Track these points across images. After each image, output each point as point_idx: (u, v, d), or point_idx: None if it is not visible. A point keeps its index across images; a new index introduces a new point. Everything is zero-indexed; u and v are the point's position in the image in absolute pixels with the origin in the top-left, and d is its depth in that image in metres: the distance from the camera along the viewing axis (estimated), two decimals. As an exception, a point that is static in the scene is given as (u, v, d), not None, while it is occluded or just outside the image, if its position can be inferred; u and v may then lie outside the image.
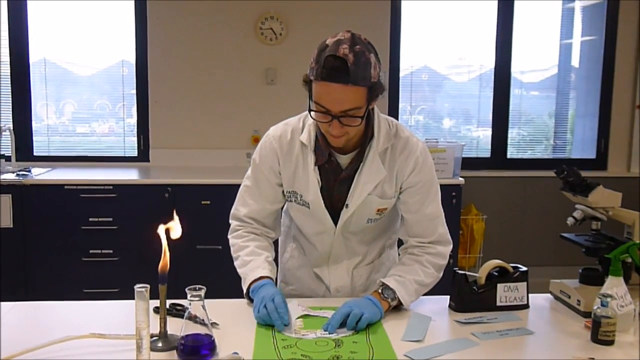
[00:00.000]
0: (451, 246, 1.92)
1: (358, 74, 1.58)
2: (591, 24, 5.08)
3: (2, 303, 1.78)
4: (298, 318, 1.71)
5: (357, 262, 1.99)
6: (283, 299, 1.70)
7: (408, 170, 1.82)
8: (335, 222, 1.88)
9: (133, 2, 4.56)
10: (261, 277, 1.80)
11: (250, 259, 1.86)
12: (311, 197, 1.84)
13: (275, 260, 1.97)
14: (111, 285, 3.66)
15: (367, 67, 1.60)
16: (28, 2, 4.51)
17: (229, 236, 1.97)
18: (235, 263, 1.90)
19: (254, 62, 4.60)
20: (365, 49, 1.61)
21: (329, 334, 1.61)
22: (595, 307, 1.60)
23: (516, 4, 4.85)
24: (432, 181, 1.86)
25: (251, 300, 1.79)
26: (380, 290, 1.78)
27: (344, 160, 1.82)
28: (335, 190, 1.85)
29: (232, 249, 1.93)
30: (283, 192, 1.93)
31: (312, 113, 1.67)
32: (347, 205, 1.84)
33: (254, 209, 1.92)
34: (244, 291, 1.83)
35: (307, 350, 1.51)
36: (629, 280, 1.79)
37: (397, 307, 1.80)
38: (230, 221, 1.99)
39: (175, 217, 1.49)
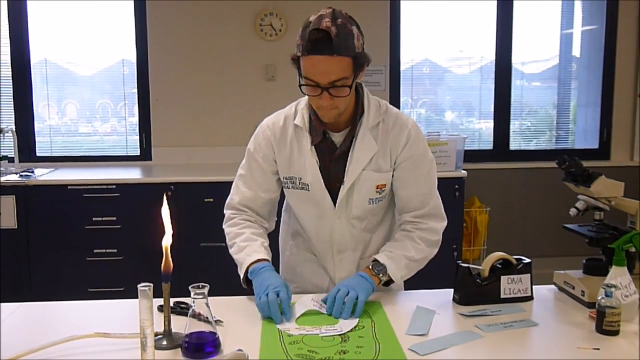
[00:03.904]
0: (445, 222, 1.94)
1: (341, 45, 1.65)
2: (591, 13, 5.06)
3: (7, 304, 1.79)
4: (302, 316, 1.71)
5: (362, 251, 1.99)
6: (288, 294, 1.71)
7: (401, 144, 1.86)
8: (335, 204, 1.89)
9: (132, 1, 4.56)
10: (258, 260, 1.82)
11: (246, 245, 1.88)
12: (310, 177, 1.87)
13: (276, 255, 1.98)
14: (116, 284, 3.67)
15: (349, 38, 1.67)
16: (28, 3, 4.51)
17: (224, 225, 1.99)
18: (231, 250, 1.92)
19: (254, 58, 4.60)
20: (346, 22, 1.68)
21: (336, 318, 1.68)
22: (599, 298, 1.60)
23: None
24: (425, 154, 1.90)
25: (247, 284, 1.84)
26: (370, 266, 1.83)
27: (337, 138, 1.86)
28: (331, 170, 1.87)
29: (227, 237, 1.96)
30: (278, 180, 1.95)
31: (303, 88, 1.73)
32: (344, 182, 1.86)
33: (247, 196, 1.95)
34: (241, 276, 1.86)
35: (314, 345, 1.51)
36: (632, 269, 1.79)
37: (389, 284, 1.88)
38: (224, 211, 2.00)
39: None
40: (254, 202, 1.96)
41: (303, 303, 1.75)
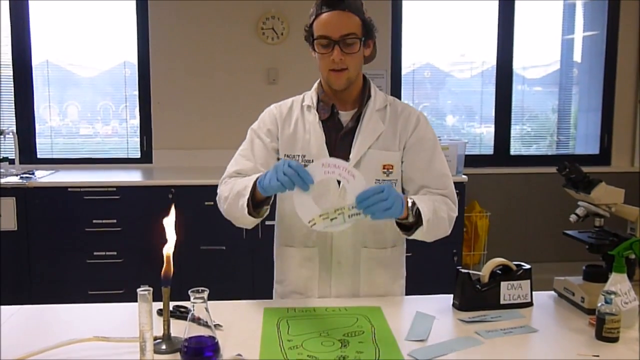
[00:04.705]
0: (457, 214, 1.89)
1: (352, 4, 1.81)
2: (593, 19, 5.07)
3: (7, 307, 1.79)
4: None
5: (364, 239, 1.94)
6: (297, 163, 1.65)
7: (411, 127, 1.92)
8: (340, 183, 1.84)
9: (135, 3, 4.57)
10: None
11: (245, 180, 1.81)
12: (315, 152, 1.87)
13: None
14: (116, 286, 3.67)
15: (358, 3, 1.84)
16: (30, 4, 4.52)
17: (218, 190, 1.92)
18: (228, 201, 1.83)
19: (256, 61, 4.61)
20: None
21: (358, 208, 1.60)
22: (599, 304, 1.60)
23: (517, 1, 4.84)
24: (435, 141, 1.95)
25: (255, 209, 1.78)
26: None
27: (345, 117, 1.92)
28: (337, 148, 1.88)
29: (222, 195, 1.88)
30: (278, 159, 1.93)
31: (315, 46, 1.83)
32: (349, 159, 1.84)
33: (246, 167, 1.91)
34: (246, 197, 1.75)
35: (313, 350, 1.51)
36: (632, 276, 1.79)
37: (410, 229, 1.78)
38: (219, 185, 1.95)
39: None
40: (252, 172, 1.88)
41: (314, 172, 1.64)
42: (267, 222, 2.02)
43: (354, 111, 1.93)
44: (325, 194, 1.83)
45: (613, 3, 4.89)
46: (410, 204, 1.73)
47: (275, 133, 1.95)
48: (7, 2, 4.48)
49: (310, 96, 1.97)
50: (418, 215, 1.74)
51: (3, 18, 4.47)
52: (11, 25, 4.52)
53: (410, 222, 1.76)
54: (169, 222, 1.47)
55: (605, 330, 1.57)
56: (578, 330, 1.67)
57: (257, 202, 1.79)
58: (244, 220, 1.82)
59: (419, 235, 1.78)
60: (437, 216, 1.79)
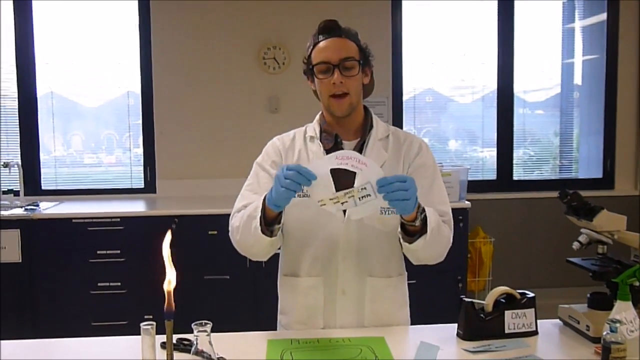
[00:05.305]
0: (451, 242, 1.88)
1: (349, 32, 1.90)
2: (592, 43, 5.11)
3: (8, 341, 1.78)
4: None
5: (369, 268, 1.92)
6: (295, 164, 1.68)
7: (414, 152, 1.94)
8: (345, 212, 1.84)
9: (138, 34, 4.62)
10: None
11: (253, 204, 1.82)
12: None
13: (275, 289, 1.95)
14: (120, 318, 3.66)
15: (353, 32, 1.92)
16: (34, 36, 4.58)
17: (230, 224, 1.92)
18: (242, 227, 1.83)
19: (258, 91, 4.65)
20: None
21: (378, 192, 1.61)
22: (604, 333, 1.58)
23: (517, 26, 4.89)
24: (435, 168, 1.97)
25: (267, 226, 1.77)
26: None
27: (348, 147, 1.93)
28: (341, 176, 1.79)
29: (234, 226, 1.88)
30: None
31: (315, 72, 1.87)
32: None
33: (253, 200, 1.87)
34: (258, 215, 1.76)
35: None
36: (637, 304, 1.77)
37: (414, 235, 1.75)
38: (230, 221, 1.94)
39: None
40: None
41: (326, 164, 1.67)
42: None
43: (357, 140, 1.94)
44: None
45: (612, 27, 4.93)
46: (421, 208, 1.72)
47: (279, 163, 1.96)
48: (13, 34, 4.53)
49: (312, 127, 1.99)
50: (423, 223, 1.73)
51: (6, 50, 4.53)
52: (16, 58, 4.57)
53: (415, 227, 1.73)
54: (166, 255, 1.46)
55: (611, 359, 1.56)
56: (584, 359, 1.66)
57: (269, 220, 1.78)
58: (259, 245, 1.82)
59: (420, 244, 1.74)
60: (440, 231, 1.78)
